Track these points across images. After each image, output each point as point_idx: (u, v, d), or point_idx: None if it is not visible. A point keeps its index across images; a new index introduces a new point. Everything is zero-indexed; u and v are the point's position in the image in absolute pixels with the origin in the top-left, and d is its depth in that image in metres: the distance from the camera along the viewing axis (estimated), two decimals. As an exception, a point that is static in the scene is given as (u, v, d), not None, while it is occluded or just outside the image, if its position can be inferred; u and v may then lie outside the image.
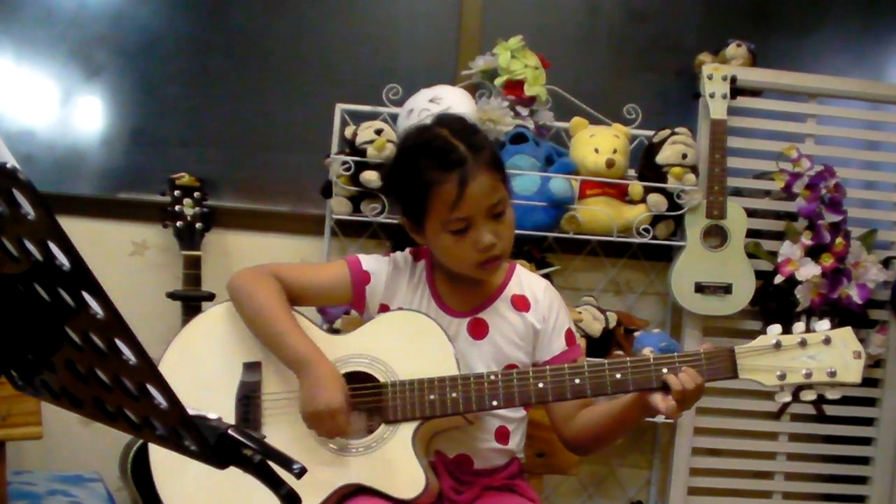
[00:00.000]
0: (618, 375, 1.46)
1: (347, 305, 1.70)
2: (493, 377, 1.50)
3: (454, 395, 1.49)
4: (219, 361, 1.60)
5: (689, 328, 2.72)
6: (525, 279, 1.66)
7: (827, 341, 1.43)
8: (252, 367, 1.59)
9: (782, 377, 1.43)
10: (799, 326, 1.45)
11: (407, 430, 1.51)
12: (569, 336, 1.64)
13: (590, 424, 1.57)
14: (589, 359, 2.32)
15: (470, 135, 1.55)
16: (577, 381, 1.47)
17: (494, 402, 1.49)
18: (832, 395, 1.45)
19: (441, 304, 1.62)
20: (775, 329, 1.45)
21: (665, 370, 1.44)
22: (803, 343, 1.43)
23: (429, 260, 1.65)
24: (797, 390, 1.45)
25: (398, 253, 1.68)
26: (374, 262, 1.65)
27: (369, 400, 1.54)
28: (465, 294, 1.62)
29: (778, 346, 1.43)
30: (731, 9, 3.00)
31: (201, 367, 1.60)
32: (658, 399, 1.44)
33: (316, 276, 1.65)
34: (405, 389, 1.51)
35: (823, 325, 1.44)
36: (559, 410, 1.59)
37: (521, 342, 1.61)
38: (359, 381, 1.55)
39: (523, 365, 1.61)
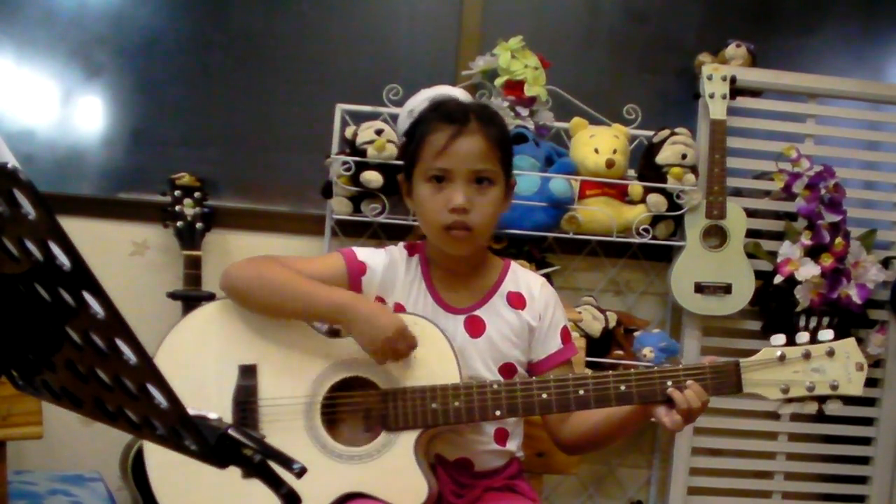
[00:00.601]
0: (622, 388, 1.46)
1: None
2: (496, 386, 1.49)
3: (457, 404, 1.48)
4: (212, 364, 1.56)
5: (689, 328, 2.72)
6: (521, 276, 1.66)
7: (830, 353, 1.44)
8: (248, 370, 1.55)
9: (786, 391, 1.44)
10: (802, 336, 1.46)
11: (408, 438, 1.49)
12: (564, 334, 1.63)
13: (587, 429, 1.57)
14: (590, 358, 2.33)
15: (486, 112, 1.59)
16: (582, 392, 1.47)
17: (497, 413, 1.49)
18: (832, 406, 1.46)
19: (439, 300, 1.60)
20: (779, 339, 1.46)
21: (670, 383, 1.44)
22: (807, 355, 1.44)
23: (423, 255, 1.64)
24: (799, 401, 1.46)
25: (393, 246, 1.66)
26: (369, 254, 1.63)
27: (370, 406, 1.52)
28: (461, 291, 1.62)
29: (782, 358, 1.44)
30: (731, 9, 3.01)
31: (194, 370, 1.56)
32: (662, 413, 1.44)
33: (311, 268, 1.61)
34: (406, 397, 1.49)
35: (827, 334, 1.45)
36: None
37: (516, 340, 1.60)
38: (359, 388, 1.53)
39: (519, 363, 1.61)
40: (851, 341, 1.45)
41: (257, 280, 1.54)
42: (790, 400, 1.45)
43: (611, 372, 1.48)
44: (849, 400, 2.78)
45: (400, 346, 1.47)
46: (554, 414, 1.57)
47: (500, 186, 1.57)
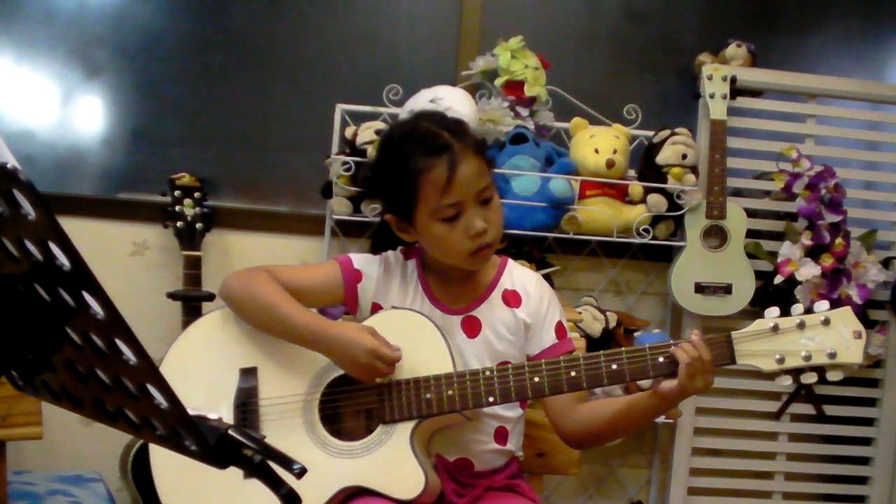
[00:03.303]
0: (614, 366, 1.45)
1: (340, 306, 1.70)
2: (488, 373, 1.49)
3: (450, 392, 1.49)
4: (215, 368, 1.59)
5: (689, 328, 2.71)
6: (517, 274, 1.66)
7: (826, 322, 1.40)
8: (248, 372, 1.58)
9: (781, 361, 1.41)
10: (798, 308, 1.43)
11: (405, 429, 1.50)
12: (559, 330, 1.62)
13: (595, 420, 1.56)
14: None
15: (452, 124, 1.56)
16: (574, 373, 1.47)
17: (491, 399, 1.49)
18: (833, 376, 1.42)
19: (435, 301, 1.61)
20: (773, 312, 1.43)
21: (661, 359, 1.44)
22: (802, 325, 1.41)
23: (419, 259, 1.65)
24: (797, 373, 1.43)
25: (389, 252, 1.67)
26: (365, 261, 1.65)
27: (366, 401, 1.53)
28: (457, 291, 1.62)
29: (776, 329, 1.41)
30: (731, 9, 3.00)
31: (198, 374, 1.59)
32: (668, 382, 1.42)
33: (307, 277, 1.64)
34: (401, 389, 1.50)
35: (822, 305, 1.42)
36: (556, 404, 1.58)
37: (512, 338, 1.61)
38: (355, 383, 1.54)
39: (517, 361, 1.61)
40: (847, 310, 1.41)
41: (248, 297, 1.57)
42: (787, 371, 1.42)
43: (602, 352, 1.48)
44: (849, 400, 2.82)
45: (378, 366, 1.48)
46: (555, 403, 1.57)
47: (496, 190, 1.57)
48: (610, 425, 1.55)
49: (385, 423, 1.51)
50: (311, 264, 1.74)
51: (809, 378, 1.42)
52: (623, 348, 1.48)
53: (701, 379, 1.41)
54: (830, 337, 1.40)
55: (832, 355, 1.40)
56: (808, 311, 1.42)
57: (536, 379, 1.48)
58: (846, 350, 1.40)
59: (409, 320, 1.55)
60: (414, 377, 1.50)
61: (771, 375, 1.44)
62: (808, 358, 1.40)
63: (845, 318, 1.41)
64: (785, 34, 3.00)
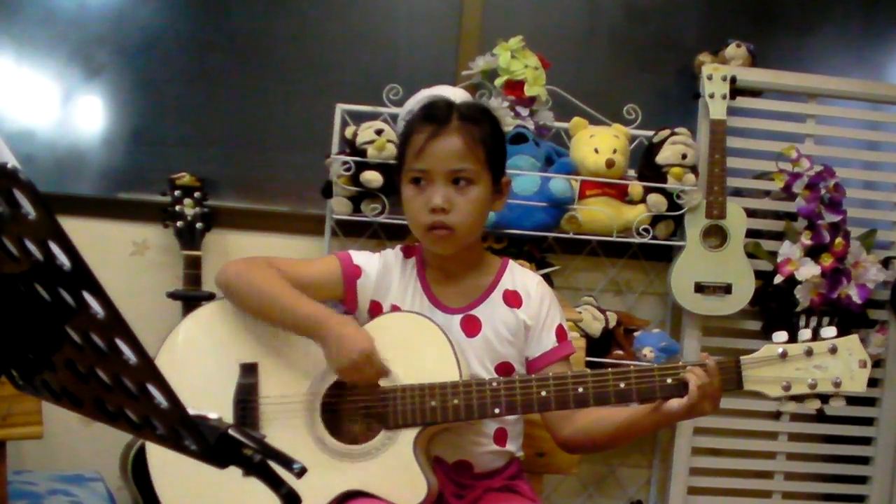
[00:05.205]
0: (621, 385, 1.45)
1: (339, 302, 1.69)
2: (495, 384, 1.49)
3: (455, 401, 1.48)
4: (214, 363, 1.57)
5: (689, 328, 2.72)
6: (518, 275, 1.66)
7: (833, 350, 1.43)
8: (249, 368, 1.56)
9: (787, 388, 1.44)
10: (805, 333, 1.45)
11: (408, 436, 1.49)
12: (559, 332, 1.63)
13: (594, 430, 1.57)
14: (590, 358, 2.33)
15: (473, 110, 1.58)
16: (581, 389, 1.47)
17: (496, 410, 1.48)
18: (836, 403, 1.46)
19: (434, 300, 1.61)
20: (781, 336, 1.45)
21: (669, 380, 1.44)
22: (809, 353, 1.43)
23: (419, 257, 1.65)
24: (801, 398, 1.46)
25: (388, 250, 1.67)
26: (364, 258, 1.64)
27: (369, 404, 1.52)
28: (457, 290, 1.62)
29: (784, 356, 1.44)
30: (731, 9, 3.00)
31: (196, 368, 1.57)
32: (674, 401, 1.44)
33: (306, 271, 1.63)
34: (406, 395, 1.49)
35: (829, 332, 1.44)
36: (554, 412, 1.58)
37: (512, 339, 1.61)
38: (360, 386, 1.53)
39: (516, 362, 1.61)
40: (854, 338, 1.44)
41: (246, 283, 1.56)
42: (792, 398, 1.44)
43: (610, 369, 1.48)
44: (849, 400, 2.81)
45: (365, 371, 1.46)
46: (553, 412, 1.57)
47: (483, 185, 1.56)
48: (608, 437, 1.56)
49: (388, 428, 1.50)
50: (311, 259, 1.73)
51: (812, 404, 1.45)
52: (632, 367, 1.48)
53: (708, 403, 1.43)
54: (836, 365, 1.43)
55: (837, 384, 1.43)
56: (816, 336, 1.44)
57: (543, 393, 1.48)
58: (851, 379, 1.43)
59: (415, 325, 1.54)
60: (419, 384, 1.49)
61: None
62: (813, 386, 1.43)
63: (851, 347, 1.44)
64: (785, 34, 3.00)
